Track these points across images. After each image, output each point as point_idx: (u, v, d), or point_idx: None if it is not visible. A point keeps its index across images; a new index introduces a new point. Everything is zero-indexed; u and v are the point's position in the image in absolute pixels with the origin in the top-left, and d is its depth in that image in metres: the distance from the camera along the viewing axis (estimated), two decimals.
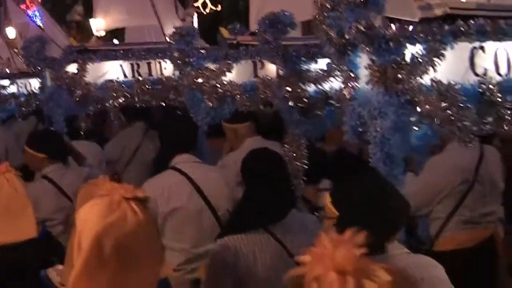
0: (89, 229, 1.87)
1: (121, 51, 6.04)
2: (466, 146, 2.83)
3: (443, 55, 2.95)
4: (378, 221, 2.45)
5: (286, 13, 4.13)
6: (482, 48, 3.04)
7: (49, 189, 4.66)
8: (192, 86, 4.99)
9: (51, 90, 6.10)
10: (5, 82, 8.89)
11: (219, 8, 18.42)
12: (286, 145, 4.49)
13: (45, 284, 2.69)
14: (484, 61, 3.04)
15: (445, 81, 2.94)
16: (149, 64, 5.91)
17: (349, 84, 3.11)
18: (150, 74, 5.91)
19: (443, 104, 2.85)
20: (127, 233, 1.88)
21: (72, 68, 6.06)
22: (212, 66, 4.99)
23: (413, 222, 4.66)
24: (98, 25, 12.18)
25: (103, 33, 12.49)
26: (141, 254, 1.91)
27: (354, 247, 1.34)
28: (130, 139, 6.55)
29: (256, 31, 4.37)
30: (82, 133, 6.60)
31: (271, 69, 4.58)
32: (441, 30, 2.96)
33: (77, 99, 6.00)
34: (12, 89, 8.71)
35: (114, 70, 6.00)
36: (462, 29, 2.97)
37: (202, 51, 5.24)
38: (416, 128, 2.91)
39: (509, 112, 2.97)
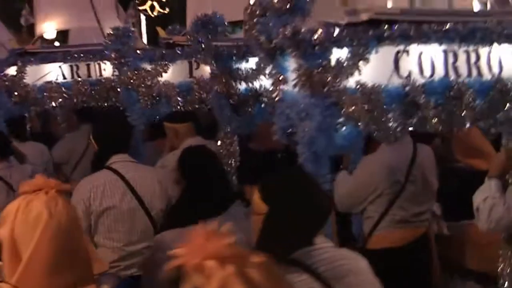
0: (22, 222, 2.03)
1: (60, 53, 6.02)
2: (392, 145, 2.93)
3: (367, 58, 3.03)
4: (306, 216, 2.57)
5: (217, 15, 4.25)
6: (406, 51, 3.13)
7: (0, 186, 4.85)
8: (128, 86, 5.02)
9: None
10: None
11: (167, 11, 18.35)
12: (219, 142, 4.60)
13: None
14: (409, 64, 3.14)
15: (370, 84, 3.03)
16: (88, 65, 5.91)
17: (278, 87, 3.18)
18: (89, 75, 5.91)
19: (367, 106, 2.95)
20: (61, 224, 2.06)
21: (12, 70, 6.02)
22: (148, 66, 5.04)
23: (347, 219, 4.76)
24: (40, 28, 12.05)
25: (53, 36, 12.30)
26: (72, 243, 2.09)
27: (225, 236, 1.43)
28: (78, 142, 6.53)
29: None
30: (28, 134, 6.60)
31: (206, 69, 4.62)
32: (366, 35, 3.04)
33: (16, 100, 5.97)
34: None
35: (54, 72, 5.97)
36: (386, 33, 3.06)
37: (138, 51, 5.27)
38: (342, 129, 3.00)
39: (432, 113, 3.08)
